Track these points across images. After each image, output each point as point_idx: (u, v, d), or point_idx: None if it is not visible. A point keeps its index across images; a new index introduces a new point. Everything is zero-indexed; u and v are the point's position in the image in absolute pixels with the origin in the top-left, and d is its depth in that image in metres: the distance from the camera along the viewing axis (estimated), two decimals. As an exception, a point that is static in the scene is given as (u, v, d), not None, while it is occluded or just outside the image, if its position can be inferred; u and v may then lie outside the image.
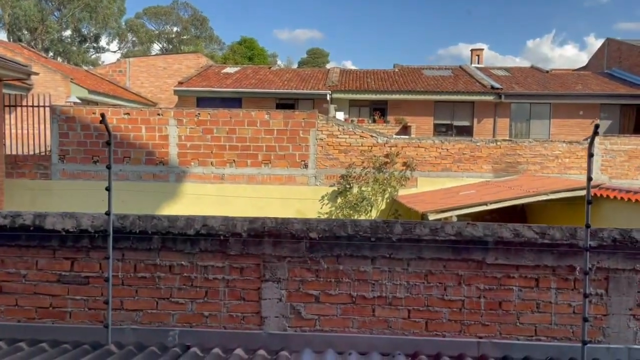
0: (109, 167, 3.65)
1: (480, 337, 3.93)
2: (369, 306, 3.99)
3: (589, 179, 3.68)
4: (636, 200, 7.74)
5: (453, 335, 3.95)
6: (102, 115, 3.59)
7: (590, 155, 3.69)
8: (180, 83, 23.16)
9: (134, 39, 61.62)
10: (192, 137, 12.72)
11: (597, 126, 3.61)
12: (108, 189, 3.69)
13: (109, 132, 3.62)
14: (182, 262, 3.98)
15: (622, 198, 8.14)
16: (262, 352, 3.71)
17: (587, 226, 3.63)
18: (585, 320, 3.68)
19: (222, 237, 3.93)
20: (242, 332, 3.91)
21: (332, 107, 22.51)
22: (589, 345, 3.74)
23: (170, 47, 61.86)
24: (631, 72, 23.82)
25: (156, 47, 62.55)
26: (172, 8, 62.79)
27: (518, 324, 3.94)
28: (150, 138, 12.75)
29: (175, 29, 63.78)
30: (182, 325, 3.98)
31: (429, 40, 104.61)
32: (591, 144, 3.64)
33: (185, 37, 62.33)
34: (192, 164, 12.71)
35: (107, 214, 3.71)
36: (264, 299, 3.98)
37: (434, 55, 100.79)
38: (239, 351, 3.69)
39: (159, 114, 12.83)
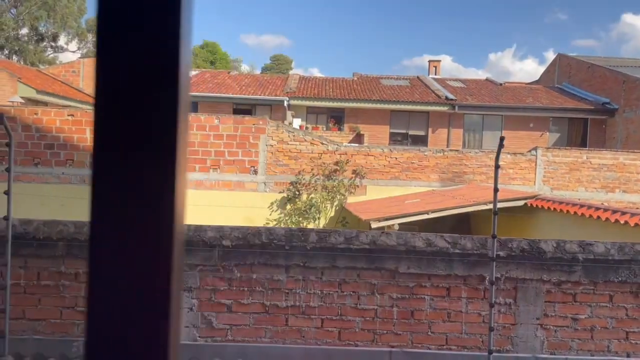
0: (8, 170, 3.50)
1: (393, 347, 3.94)
2: (282, 316, 3.94)
3: (496, 189, 3.74)
4: (567, 212, 7.97)
5: (365, 345, 3.95)
6: (1, 115, 3.44)
7: (497, 167, 3.76)
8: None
9: (94, 39, 60.42)
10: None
11: (502, 139, 3.68)
12: (7, 192, 3.53)
13: (9, 133, 3.47)
14: (88, 270, 3.84)
15: (555, 209, 8.37)
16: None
17: (494, 236, 3.69)
18: (491, 329, 3.73)
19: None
20: (149, 342, 3.80)
21: (289, 113, 22.48)
22: (496, 354, 3.80)
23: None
24: (580, 87, 24.65)
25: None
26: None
27: (429, 333, 3.96)
28: (81, 140, 12.41)
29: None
30: (87, 335, 3.84)
31: (394, 50, 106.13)
32: (498, 156, 3.71)
33: (147, 38, 61.39)
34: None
35: (6, 218, 3.55)
36: (173, 308, 3.88)
37: (398, 65, 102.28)
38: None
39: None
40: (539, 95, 24.40)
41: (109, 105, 0.44)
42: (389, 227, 9.48)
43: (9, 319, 3.60)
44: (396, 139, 22.98)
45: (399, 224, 9.43)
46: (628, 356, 3.94)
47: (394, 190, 12.88)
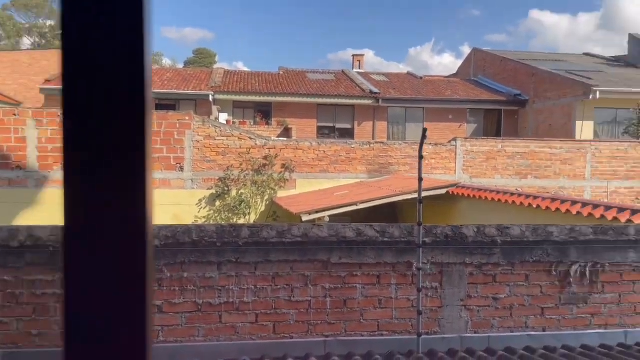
0: None
1: (327, 336, 4.01)
2: (216, 313, 3.91)
3: (420, 179, 3.89)
4: (486, 198, 8.43)
5: (300, 336, 3.99)
6: None
7: (421, 157, 3.91)
8: (48, 81, 21.45)
9: (0, 32, 56.21)
10: (54, 139, 11.80)
11: (425, 130, 3.83)
12: None
13: None
14: (6, 277, 3.63)
15: (475, 196, 8.82)
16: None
17: (419, 224, 3.84)
18: (419, 313, 3.89)
19: (51, 249, 3.64)
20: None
21: (215, 108, 22.10)
22: (425, 336, 3.97)
23: (44, 41, 57.18)
24: (494, 80, 26.00)
25: (27, 42, 57.52)
26: (45, 0, 58.08)
27: (362, 320, 4.07)
28: (5, 140, 11.63)
29: (49, 22, 59.07)
30: (6, 346, 3.63)
31: (319, 44, 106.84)
32: (421, 146, 3.86)
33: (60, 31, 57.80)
34: (55, 168, 11.78)
35: None
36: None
37: (324, 59, 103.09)
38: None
39: (15, 114, 11.75)
40: (457, 88, 25.48)
41: (78, 105, 0.43)
42: (319, 219, 9.60)
43: None
44: (324, 132, 23.22)
45: (329, 216, 9.56)
46: (544, 330, 4.24)
47: (324, 183, 13.04)
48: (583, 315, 4.29)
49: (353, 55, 30.96)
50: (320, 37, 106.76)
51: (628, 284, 4.33)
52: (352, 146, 13.46)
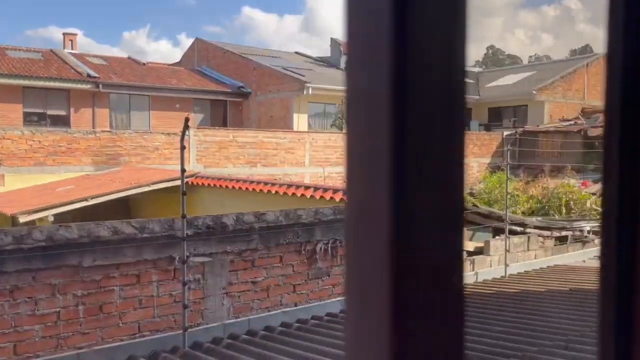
0: None
1: (80, 348, 3.60)
2: None
3: (182, 170, 3.80)
4: (226, 187, 8.68)
5: (48, 353, 3.49)
6: None
7: (182, 148, 3.81)
8: None
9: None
10: None
11: (187, 119, 3.75)
12: None
13: None
14: None
15: (214, 185, 8.99)
16: None
17: (183, 216, 3.75)
18: (185, 307, 3.81)
19: None
20: None
21: None
22: (190, 330, 3.91)
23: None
24: (218, 71, 26.71)
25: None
26: None
27: (120, 324, 3.78)
28: None
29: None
30: None
31: (14, 17, 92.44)
32: (183, 136, 3.76)
33: None
34: None
35: None
36: None
37: (21, 35, 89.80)
38: None
39: None
40: (182, 76, 25.36)
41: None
42: (41, 219, 8.44)
43: None
44: (32, 119, 20.34)
45: (53, 215, 8.49)
46: (295, 305, 4.62)
47: (41, 177, 11.47)
48: (327, 287, 4.83)
49: (64, 34, 27.80)
50: (14, 8, 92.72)
51: (359, 256, 5.03)
52: (75, 135, 12.17)
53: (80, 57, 25.08)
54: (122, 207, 11.50)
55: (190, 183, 9.68)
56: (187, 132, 12.18)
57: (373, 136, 0.35)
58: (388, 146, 0.34)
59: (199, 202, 9.56)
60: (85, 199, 8.66)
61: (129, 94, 21.81)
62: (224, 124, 23.59)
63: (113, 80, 21.66)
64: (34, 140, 11.56)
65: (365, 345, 0.36)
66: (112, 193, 8.97)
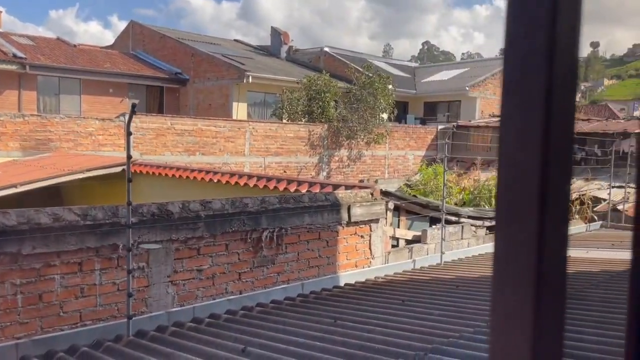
0: None
1: (19, 338, 3.48)
2: None
3: (129, 157, 3.73)
4: (166, 175, 8.51)
5: (-16, 345, 3.35)
6: None
7: (129, 134, 3.75)
8: None
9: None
10: None
11: (134, 105, 3.68)
12: None
13: None
14: None
15: (153, 173, 8.79)
16: None
17: (129, 204, 3.69)
18: (130, 295, 3.76)
19: None
20: None
21: None
22: (134, 318, 3.86)
23: None
24: (154, 56, 25.90)
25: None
26: None
27: (61, 314, 3.68)
28: None
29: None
30: None
31: None
32: (129, 122, 3.69)
33: None
34: None
35: None
36: None
37: None
38: None
39: None
40: (116, 60, 24.42)
41: None
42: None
43: None
44: (-51, 100, 18.98)
45: (-22, 202, 8.01)
46: (240, 293, 4.66)
47: (-39, 162, 10.77)
48: (271, 275, 4.89)
49: (-14, 10, 26.04)
50: None
51: (304, 243, 5.13)
52: (1, 118, 11.49)
53: (4, 35, 23.58)
54: (54, 197, 11.00)
55: (127, 171, 9.40)
56: (122, 119, 11.77)
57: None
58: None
59: (138, 192, 9.30)
60: (14, 186, 8.23)
61: (59, 77, 20.78)
62: (159, 110, 22.98)
63: (41, 61, 20.55)
64: (-48, 123, 10.83)
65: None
66: (44, 179, 8.58)
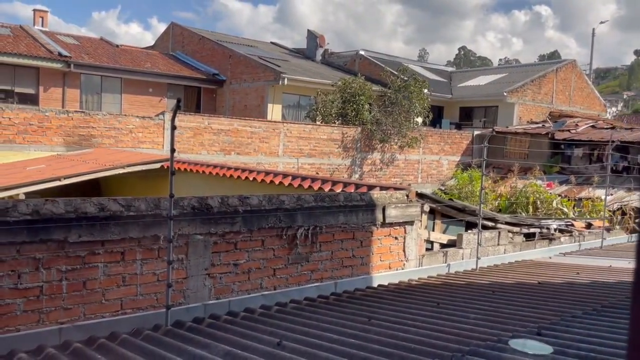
0: None
1: (62, 323, 3.60)
2: None
3: (172, 150, 3.82)
4: (203, 172, 8.66)
5: (30, 328, 3.48)
6: None
7: (174, 128, 3.84)
8: None
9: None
10: None
11: (179, 100, 3.77)
12: None
13: None
14: None
15: (191, 170, 8.95)
16: None
17: (171, 196, 3.78)
18: (169, 286, 3.85)
19: None
20: None
21: None
22: (172, 309, 3.94)
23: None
24: (193, 57, 26.40)
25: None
26: None
27: (103, 301, 3.79)
28: None
29: None
30: None
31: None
32: (173, 116, 3.78)
33: None
34: None
35: None
36: None
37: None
38: None
39: None
40: (156, 61, 24.97)
41: None
42: (11, 197, 8.27)
43: None
44: (-2, 96, 19.76)
45: (24, 193, 8.33)
46: (275, 289, 4.70)
47: (9, 155, 11.19)
48: (305, 272, 4.92)
49: (34, 10, 27.01)
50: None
51: (338, 242, 5.14)
52: (47, 114, 11.90)
53: (51, 35, 24.43)
54: (94, 190, 11.33)
55: (166, 167, 9.61)
56: (161, 117, 12.01)
57: None
58: None
59: (177, 188, 9.48)
60: (59, 179, 8.52)
61: (101, 76, 21.38)
62: (197, 110, 23.38)
63: (85, 60, 21.19)
64: (3, 117, 11.26)
65: None
66: (87, 174, 8.84)
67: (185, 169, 9.13)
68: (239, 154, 14.94)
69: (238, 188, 7.67)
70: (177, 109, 3.70)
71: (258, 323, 3.90)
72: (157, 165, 9.32)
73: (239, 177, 7.81)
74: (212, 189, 8.60)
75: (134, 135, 12.85)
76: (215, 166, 8.63)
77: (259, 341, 3.38)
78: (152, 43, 31.46)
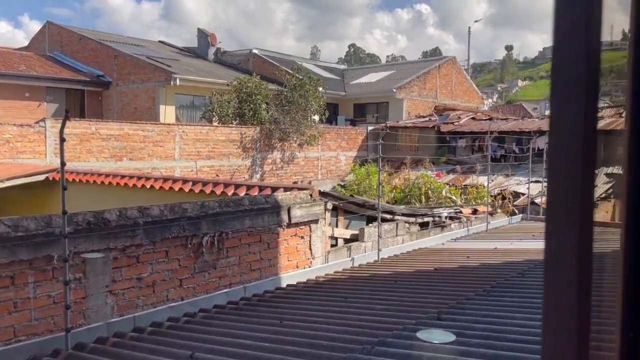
0: None
1: (-55, 361, 3.28)
2: None
3: (63, 164, 3.60)
4: (94, 182, 8.18)
5: None
6: None
7: (62, 140, 3.62)
8: None
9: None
10: None
11: (67, 111, 3.56)
12: None
13: None
14: None
15: (80, 180, 8.42)
16: None
17: (64, 213, 3.56)
18: (67, 307, 3.63)
19: None
20: None
21: None
22: (72, 331, 3.72)
23: None
24: (73, 58, 24.73)
25: None
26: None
27: (-6, 331, 3.49)
28: None
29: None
30: None
31: None
32: (62, 128, 3.56)
33: None
34: None
35: None
36: None
37: None
38: None
39: None
40: (32, 62, 23.12)
41: None
42: None
43: None
44: None
45: None
46: (182, 300, 4.59)
47: None
48: (213, 280, 4.86)
49: None
50: None
51: (245, 247, 5.13)
52: None
53: None
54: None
55: (51, 179, 8.96)
56: (42, 125, 11.14)
57: None
58: None
59: (67, 201, 8.87)
60: None
61: (-31, 80, 19.38)
62: (81, 114, 21.97)
63: (-53, 63, 19.08)
64: None
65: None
66: (-41, 191, 7.99)
67: (74, 180, 8.57)
68: (131, 159, 14.28)
69: (136, 198, 7.35)
70: (65, 120, 3.48)
71: (167, 337, 3.80)
72: (42, 177, 8.67)
73: (134, 185, 7.49)
74: (106, 201, 8.15)
75: (12, 145, 11.81)
76: (107, 175, 8.19)
77: (169, 355, 3.30)
78: (25, 43, 29.05)
